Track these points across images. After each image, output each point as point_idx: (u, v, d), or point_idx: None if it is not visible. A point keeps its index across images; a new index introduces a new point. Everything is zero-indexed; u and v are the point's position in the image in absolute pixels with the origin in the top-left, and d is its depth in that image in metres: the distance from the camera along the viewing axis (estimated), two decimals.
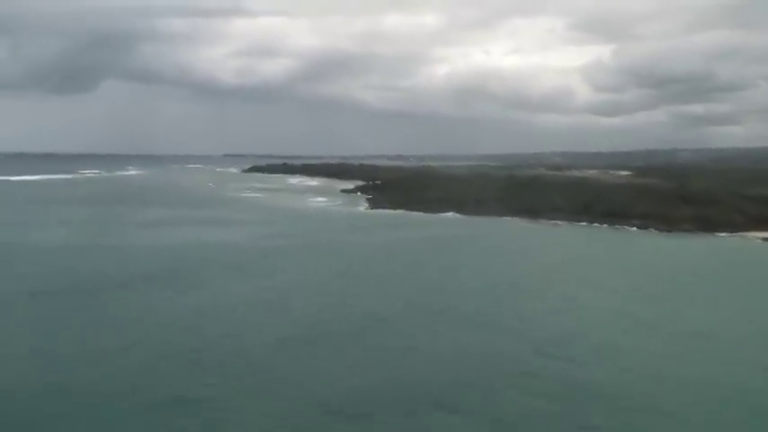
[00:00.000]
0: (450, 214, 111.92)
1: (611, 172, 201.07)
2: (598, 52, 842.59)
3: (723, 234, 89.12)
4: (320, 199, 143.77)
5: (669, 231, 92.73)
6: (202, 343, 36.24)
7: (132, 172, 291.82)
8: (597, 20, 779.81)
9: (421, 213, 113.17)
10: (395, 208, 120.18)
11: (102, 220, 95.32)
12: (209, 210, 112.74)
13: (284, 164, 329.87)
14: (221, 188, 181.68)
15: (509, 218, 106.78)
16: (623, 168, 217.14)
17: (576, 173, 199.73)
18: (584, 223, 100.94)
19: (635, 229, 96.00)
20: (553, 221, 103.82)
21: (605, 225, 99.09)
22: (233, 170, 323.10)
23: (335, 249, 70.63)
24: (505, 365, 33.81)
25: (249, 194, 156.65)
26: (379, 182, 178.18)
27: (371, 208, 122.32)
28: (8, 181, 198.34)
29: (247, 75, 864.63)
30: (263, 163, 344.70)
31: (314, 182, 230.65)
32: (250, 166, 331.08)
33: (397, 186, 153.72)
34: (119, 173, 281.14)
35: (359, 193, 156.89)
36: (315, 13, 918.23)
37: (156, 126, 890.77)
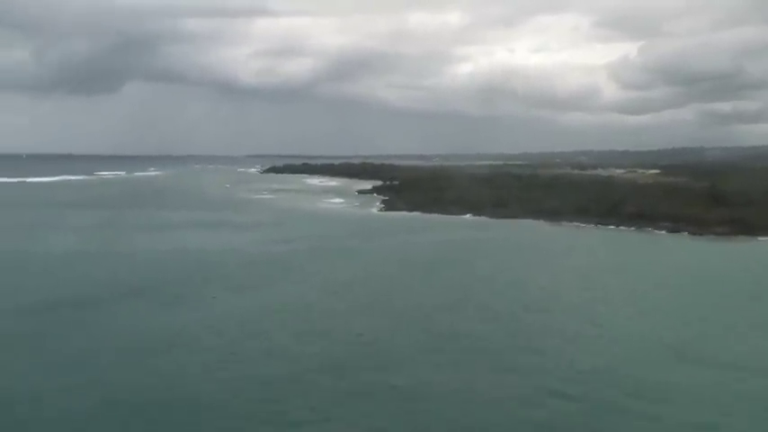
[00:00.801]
0: (467, 216, 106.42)
1: (639, 171, 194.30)
2: (625, 50, 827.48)
3: (765, 238, 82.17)
4: (335, 200, 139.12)
5: (702, 235, 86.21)
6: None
7: (152, 173, 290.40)
8: (624, 17, 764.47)
9: (437, 215, 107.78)
10: (410, 210, 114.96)
11: (104, 223, 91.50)
12: (218, 212, 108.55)
13: (304, 164, 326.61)
14: (236, 189, 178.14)
15: (530, 220, 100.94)
16: (651, 167, 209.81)
17: (601, 172, 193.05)
18: (611, 226, 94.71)
19: (665, 232, 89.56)
20: (576, 224, 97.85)
21: (633, 228, 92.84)
22: (252, 171, 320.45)
23: (339, 257, 65.53)
24: (513, 411, 28.21)
25: (263, 196, 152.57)
26: (397, 182, 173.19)
27: (386, 210, 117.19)
28: (23, 183, 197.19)
29: (270, 75, 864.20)
30: (285, 163, 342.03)
31: (332, 182, 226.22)
32: (268, 166, 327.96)
33: (414, 187, 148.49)
34: (138, 174, 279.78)
35: (375, 194, 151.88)
36: (338, 12, 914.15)
37: (180, 127, 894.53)
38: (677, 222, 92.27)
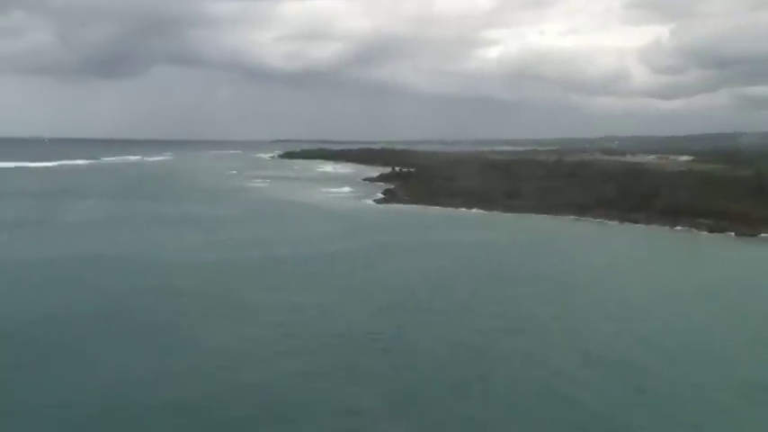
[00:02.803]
0: (474, 211, 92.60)
1: (670, 157, 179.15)
2: (657, 32, 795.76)
3: None
4: (333, 189, 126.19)
5: (753, 236, 71.50)
6: None
7: (163, 158, 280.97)
8: None
9: (438, 209, 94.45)
10: (411, 202, 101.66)
11: (50, 217, 79.86)
12: (191, 204, 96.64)
13: (321, 149, 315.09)
14: (237, 176, 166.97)
15: (546, 216, 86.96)
16: (683, 153, 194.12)
17: (631, 158, 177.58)
18: (641, 224, 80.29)
19: (705, 232, 74.95)
20: (600, 220, 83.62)
21: (667, 226, 78.28)
22: (266, 156, 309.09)
23: (286, 269, 52.48)
24: None
25: (258, 184, 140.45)
26: (411, 169, 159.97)
27: (384, 202, 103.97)
28: (19, 168, 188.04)
29: (296, 59, 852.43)
30: (308, 148, 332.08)
31: (344, 168, 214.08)
32: (284, 151, 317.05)
33: (425, 175, 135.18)
34: (149, 159, 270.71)
35: (381, 183, 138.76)
36: None
37: (205, 112, 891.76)
38: (720, 220, 77.41)
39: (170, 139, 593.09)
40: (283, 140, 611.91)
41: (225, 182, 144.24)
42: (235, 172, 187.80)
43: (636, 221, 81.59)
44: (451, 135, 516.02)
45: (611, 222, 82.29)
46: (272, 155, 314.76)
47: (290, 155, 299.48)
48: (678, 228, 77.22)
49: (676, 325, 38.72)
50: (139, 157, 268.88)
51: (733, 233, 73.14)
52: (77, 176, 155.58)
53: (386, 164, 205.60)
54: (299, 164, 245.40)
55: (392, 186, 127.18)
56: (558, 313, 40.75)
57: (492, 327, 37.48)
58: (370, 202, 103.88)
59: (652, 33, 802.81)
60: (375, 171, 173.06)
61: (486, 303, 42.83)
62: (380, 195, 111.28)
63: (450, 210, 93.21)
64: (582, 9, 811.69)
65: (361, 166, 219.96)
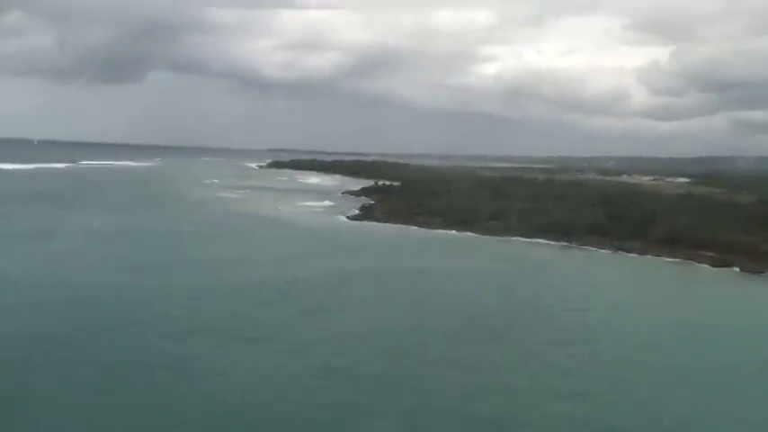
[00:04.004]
0: (451, 232, 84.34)
1: (667, 179, 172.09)
2: (656, 54, 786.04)
3: None
4: (309, 203, 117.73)
5: (760, 273, 63.30)
6: None
7: (150, 163, 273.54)
8: (656, 20, 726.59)
9: (413, 229, 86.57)
10: (386, 220, 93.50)
11: None
12: (144, 214, 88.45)
13: (312, 160, 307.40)
14: (216, 185, 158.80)
15: (529, 240, 79.02)
16: (679, 175, 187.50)
17: (627, 179, 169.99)
18: (634, 254, 72.13)
19: (707, 266, 66.67)
20: (589, 248, 75.48)
21: (664, 257, 70.07)
22: (254, 165, 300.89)
23: (197, 308, 43.92)
24: None
25: (232, 195, 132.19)
26: (397, 183, 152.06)
27: (358, 219, 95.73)
28: None
29: (293, 68, 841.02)
30: (303, 158, 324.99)
31: (330, 180, 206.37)
32: (272, 161, 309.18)
33: (410, 190, 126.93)
34: (135, 163, 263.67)
35: (362, 197, 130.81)
36: (363, 6, 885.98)
37: (201, 118, 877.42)
38: (724, 252, 69.26)
39: (165, 144, 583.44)
40: (278, 150, 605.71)
41: (197, 191, 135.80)
42: (216, 181, 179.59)
43: (629, 251, 73.43)
44: (447, 149, 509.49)
45: (601, 251, 74.15)
46: (260, 164, 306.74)
47: (278, 164, 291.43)
48: (677, 260, 69.05)
49: (682, 393, 30.48)
50: (122, 162, 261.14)
51: (738, 268, 64.96)
52: (36, 180, 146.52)
53: (374, 177, 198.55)
54: (285, 174, 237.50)
55: (372, 202, 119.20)
56: (532, 378, 32.42)
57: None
58: (342, 218, 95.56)
59: (651, 55, 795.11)
60: (361, 184, 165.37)
61: (452, 362, 34.56)
62: (356, 212, 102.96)
63: (425, 230, 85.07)
64: (580, 29, 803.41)
65: (348, 179, 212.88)
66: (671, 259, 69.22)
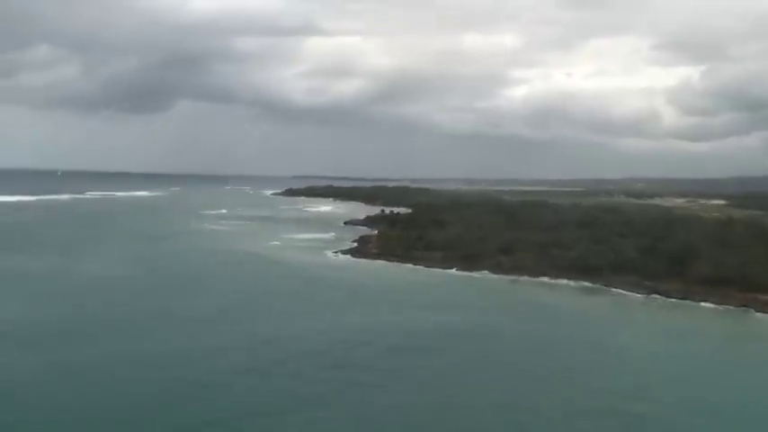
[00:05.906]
0: (452, 271, 71.41)
1: (700, 201, 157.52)
2: (686, 74, 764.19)
3: None
4: (301, 236, 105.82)
5: None
6: None
7: (158, 193, 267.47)
8: (685, 39, 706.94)
9: (410, 266, 73.95)
10: (382, 256, 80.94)
11: None
12: (95, 253, 77.56)
13: (327, 186, 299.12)
14: (212, 216, 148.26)
15: (548, 280, 65.90)
16: (714, 197, 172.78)
17: (659, 201, 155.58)
18: (673, 299, 58.42)
19: None
20: (619, 291, 61.97)
21: (710, 303, 56.27)
22: (266, 193, 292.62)
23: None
24: None
25: (222, 227, 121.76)
26: (409, 210, 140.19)
27: (349, 254, 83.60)
28: None
29: (320, 95, 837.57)
30: (327, 184, 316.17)
31: (342, 208, 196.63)
32: (286, 188, 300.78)
33: (417, 219, 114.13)
34: (139, 193, 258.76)
35: (364, 227, 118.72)
36: (390, 32, 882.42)
37: (227, 147, 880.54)
38: None
39: (191, 173, 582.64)
40: (303, 176, 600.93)
41: (189, 223, 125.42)
42: (224, 210, 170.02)
43: (667, 294, 59.92)
44: (475, 173, 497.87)
45: (632, 294, 60.57)
46: (275, 192, 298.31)
47: (291, 192, 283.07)
48: (729, 307, 55.24)
49: None
50: (132, 192, 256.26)
51: None
52: (15, 214, 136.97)
53: (387, 204, 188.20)
54: (297, 202, 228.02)
55: (374, 232, 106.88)
56: None
57: None
58: (330, 254, 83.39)
59: (681, 75, 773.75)
60: (373, 211, 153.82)
61: None
62: (348, 245, 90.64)
63: (421, 268, 72.43)
64: (608, 51, 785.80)
65: (362, 205, 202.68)
66: (720, 306, 55.39)
